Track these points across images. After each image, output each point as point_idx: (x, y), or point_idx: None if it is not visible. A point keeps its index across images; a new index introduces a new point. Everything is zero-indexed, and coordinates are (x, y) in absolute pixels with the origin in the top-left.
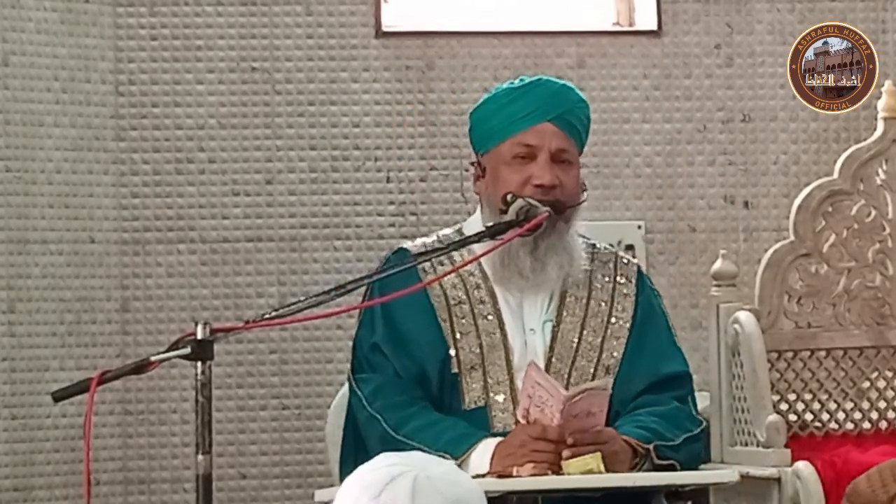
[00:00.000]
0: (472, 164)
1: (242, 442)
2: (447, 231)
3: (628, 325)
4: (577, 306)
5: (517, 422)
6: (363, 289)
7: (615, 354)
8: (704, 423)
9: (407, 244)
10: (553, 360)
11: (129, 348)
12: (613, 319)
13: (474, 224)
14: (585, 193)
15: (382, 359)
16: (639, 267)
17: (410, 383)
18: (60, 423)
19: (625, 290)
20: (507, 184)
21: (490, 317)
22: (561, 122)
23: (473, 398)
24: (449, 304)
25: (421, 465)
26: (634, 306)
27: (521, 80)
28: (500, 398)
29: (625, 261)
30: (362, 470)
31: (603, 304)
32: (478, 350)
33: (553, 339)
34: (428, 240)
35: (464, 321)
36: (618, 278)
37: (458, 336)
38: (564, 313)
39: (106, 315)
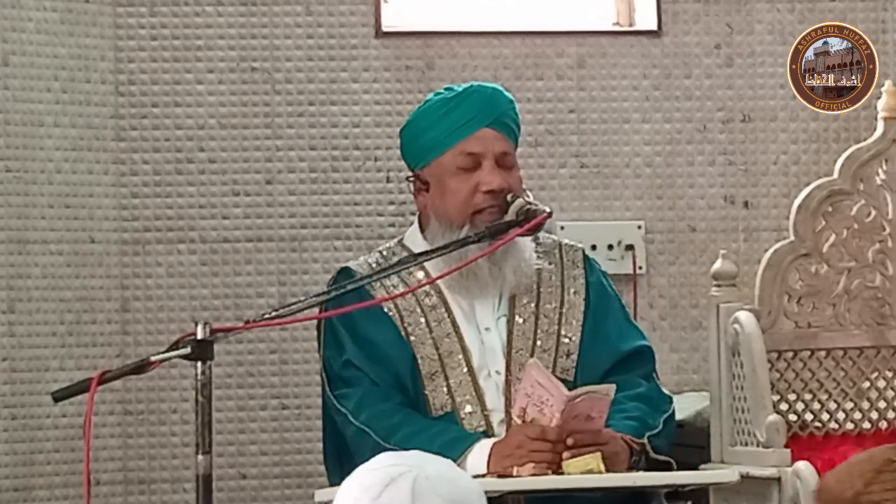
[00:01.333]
0: (408, 178)
1: (242, 442)
2: (390, 244)
3: (582, 308)
4: (528, 298)
5: (487, 423)
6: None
7: (573, 338)
8: (673, 398)
9: (350, 264)
10: (512, 353)
11: (129, 348)
12: (567, 305)
13: (414, 236)
14: (529, 193)
15: (357, 372)
16: (583, 250)
17: (391, 390)
18: (60, 423)
19: (574, 274)
20: (456, 193)
21: (443, 322)
22: (499, 126)
23: (439, 405)
24: (401, 315)
25: (419, 465)
26: (586, 289)
27: (451, 89)
28: (466, 401)
29: (568, 246)
30: (362, 470)
31: (554, 290)
32: (435, 357)
33: (509, 333)
34: (371, 258)
35: (418, 330)
36: (565, 264)
37: (414, 345)
38: (517, 307)
39: (106, 315)
